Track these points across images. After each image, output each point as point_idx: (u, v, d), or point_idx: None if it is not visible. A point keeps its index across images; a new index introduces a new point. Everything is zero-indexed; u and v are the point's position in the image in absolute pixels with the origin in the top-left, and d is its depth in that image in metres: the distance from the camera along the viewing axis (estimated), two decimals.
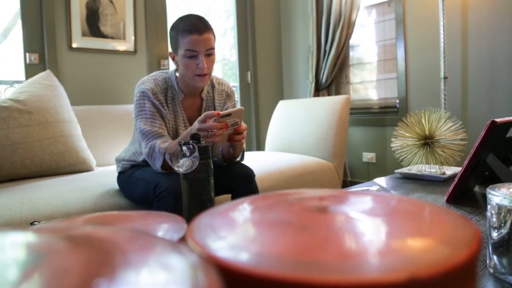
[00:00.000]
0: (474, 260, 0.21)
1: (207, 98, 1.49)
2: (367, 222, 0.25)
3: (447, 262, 0.19)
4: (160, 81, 1.37)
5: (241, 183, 1.40)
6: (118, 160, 1.59)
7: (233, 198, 1.44)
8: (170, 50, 1.38)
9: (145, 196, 1.35)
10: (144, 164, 1.46)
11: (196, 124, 1.17)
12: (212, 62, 1.33)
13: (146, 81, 1.36)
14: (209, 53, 1.31)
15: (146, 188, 1.32)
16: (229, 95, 1.53)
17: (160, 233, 0.31)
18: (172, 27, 1.34)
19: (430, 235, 0.23)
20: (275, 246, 0.21)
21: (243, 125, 1.21)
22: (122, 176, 1.53)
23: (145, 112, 1.32)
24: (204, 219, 0.27)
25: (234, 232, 0.24)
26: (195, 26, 1.26)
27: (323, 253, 0.20)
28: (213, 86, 1.51)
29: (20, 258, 0.15)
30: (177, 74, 1.41)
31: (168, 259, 0.17)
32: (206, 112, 1.15)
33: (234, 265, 0.19)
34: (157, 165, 1.27)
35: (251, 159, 2.26)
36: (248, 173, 1.43)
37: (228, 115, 1.12)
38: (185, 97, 1.42)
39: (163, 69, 2.81)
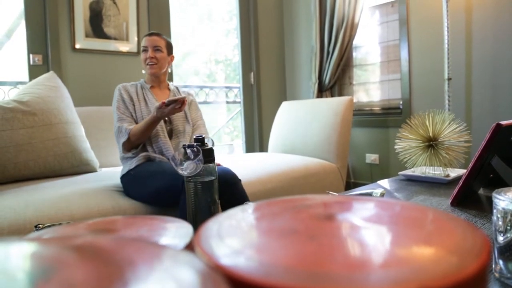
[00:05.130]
0: (484, 271, 0.20)
1: (173, 90, 1.87)
2: (375, 231, 0.25)
3: (458, 273, 0.19)
4: (131, 83, 1.81)
5: (225, 190, 1.40)
6: (124, 158, 1.64)
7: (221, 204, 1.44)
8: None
9: (168, 189, 1.43)
10: (154, 156, 1.63)
11: (155, 112, 1.51)
12: (161, 57, 1.75)
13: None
14: (157, 49, 1.74)
15: (171, 180, 1.42)
16: (189, 94, 1.93)
17: (165, 239, 0.31)
18: None
19: (439, 245, 0.22)
20: (284, 256, 0.21)
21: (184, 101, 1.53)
22: (133, 173, 1.57)
23: (117, 100, 1.70)
24: (211, 227, 0.27)
25: (242, 241, 0.24)
26: (150, 33, 1.78)
27: (332, 264, 0.20)
28: (178, 88, 1.92)
29: (30, 272, 0.15)
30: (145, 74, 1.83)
31: (177, 270, 0.17)
32: (157, 105, 1.50)
33: (242, 275, 0.19)
34: (121, 141, 1.61)
35: (254, 160, 2.26)
36: (231, 180, 1.45)
37: (175, 101, 1.48)
38: (152, 87, 1.82)
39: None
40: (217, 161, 1.73)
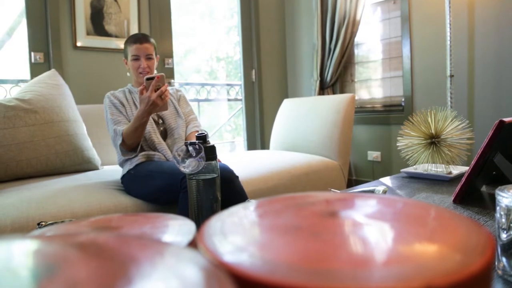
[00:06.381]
0: (489, 268, 0.20)
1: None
2: (379, 228, 0.25)
3: (462, 271, 0.19)
4: (118, 90, 1.78)
5: (223, 187, 1.40)
6: (124, 161, 1.64)
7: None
8: (124, 58, 1.78)
9: (167, 188, 1.43)
10: (153, 154, 1.62)
11: (141, 105, 1.46)
12: (153, 64, 1.73)
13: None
14: (149, 57, 1.71)
15: (170, 179, 1.42)
16: (177, 90, 1.91)
17: (168, 237, 0.31)
18: (124, 42, 1.76)
19: (443, 242, 0.22)
20: (288, 253, 0.21)
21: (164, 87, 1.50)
22: (133, 173, 1.57)
23: (108, 107, 1.68)
24: (213, 224, 0.27)
25: (246, 238, 0.24)
26: (138, 39, 1.70)
27: (336, 261, 0.20)
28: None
29: (34, 270, 0.15)
30: (131, 76, 1.79)
31: (181, 267, 0.17)
32: (139, 93, 1.47)
33: (246, 272, 0.19)
34: (118, 143, 1.57)
35: (256, 158, 2.26)
36: (228, 177, 1.45)
37: (152, 78, 1.46)
38: None
39: (167, 67, 2.82)
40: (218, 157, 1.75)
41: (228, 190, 1.42)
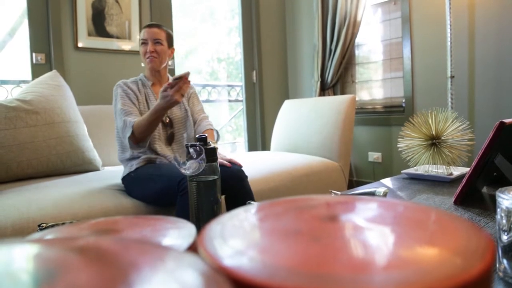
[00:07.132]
0: (489, 271, 0.20)
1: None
2: (378, 233, 0.25)
3: (462, 275, 0.19)
4: (131, 79, 1.74)
5: (233, 185, 1.46)
6: (125, 160, 1.64)
7: (226, 199, 1.51)
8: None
9: (166, 191, 1.43)
10: (155, 157, 1.61)
11: (160, 100, 1.42)
12: (162, 50, 1.68)
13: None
14: (157, 42, 1.67)
15: (168, 182, 1.41)
16: (190, 86, 1.82)
17: (169, 240, 0.31)
18: None
19: (443, 246, 0.22)
20: (287, 257, 0.21)
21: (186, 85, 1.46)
22: (133, 175, 1.57)
23: (120, 96, 1.62)
24: (214, 227, 0.27)
25: (245, 242, 0.24)
26: (148, 24, 1.70)
27: (336, 266, 0.20)
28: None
29: (34, 274, 0.15)
30: (145, 66, 1.75)
31: (180, 272, 0.17)
32: (162, 89, 1.42)
33: (246, 276, 0.19)
34: (127, 135, 1.51)
35: (257, 159, 2.26)
36: (239, 175, 1.49)
37: (180, 78, 1.41)
38: (154, 84, 1.75)
39: (168, 68, 2.82)
40: (225, 154, 1.75)
41: (238, 188, 1.46)
